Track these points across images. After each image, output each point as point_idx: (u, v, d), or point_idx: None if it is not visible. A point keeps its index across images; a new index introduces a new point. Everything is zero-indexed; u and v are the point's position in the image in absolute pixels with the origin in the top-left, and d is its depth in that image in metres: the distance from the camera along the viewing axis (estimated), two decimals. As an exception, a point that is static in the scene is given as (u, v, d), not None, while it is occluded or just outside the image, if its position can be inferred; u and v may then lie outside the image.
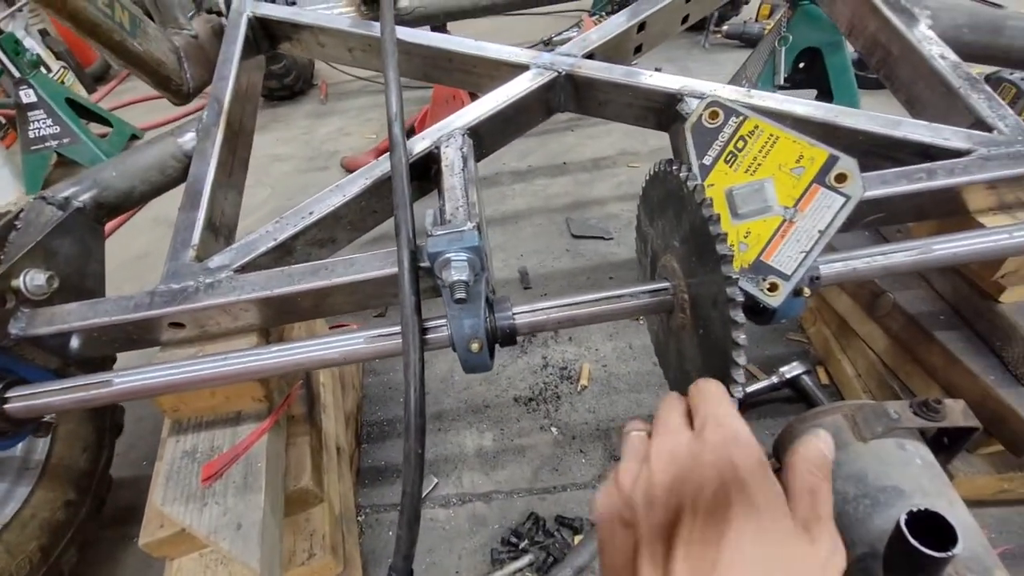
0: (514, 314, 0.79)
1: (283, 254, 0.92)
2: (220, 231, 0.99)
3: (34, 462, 1.03)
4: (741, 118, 0.68)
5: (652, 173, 0.81)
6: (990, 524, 1.08)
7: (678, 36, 3.07)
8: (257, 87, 1.30)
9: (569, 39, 3.05)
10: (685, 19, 1.25)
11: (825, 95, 2.22)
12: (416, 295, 0.78)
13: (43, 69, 2.89)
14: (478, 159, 1.08)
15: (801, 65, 2.14)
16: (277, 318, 0.91)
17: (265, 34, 1.32)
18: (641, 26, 1.15)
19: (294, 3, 1.42)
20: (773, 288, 0.67)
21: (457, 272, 0.72)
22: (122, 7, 1.04)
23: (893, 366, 1.13)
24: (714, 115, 0.70)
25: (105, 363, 1.09)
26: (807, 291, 0.74)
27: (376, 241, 1.89)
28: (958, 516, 0.71)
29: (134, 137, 3.13)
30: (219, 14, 1.38)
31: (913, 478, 0.86)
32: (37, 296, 0.85)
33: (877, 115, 0.92)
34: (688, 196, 0.69)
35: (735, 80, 2.25)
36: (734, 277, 0.62)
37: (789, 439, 1.10)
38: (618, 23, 1.12)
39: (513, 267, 1.80)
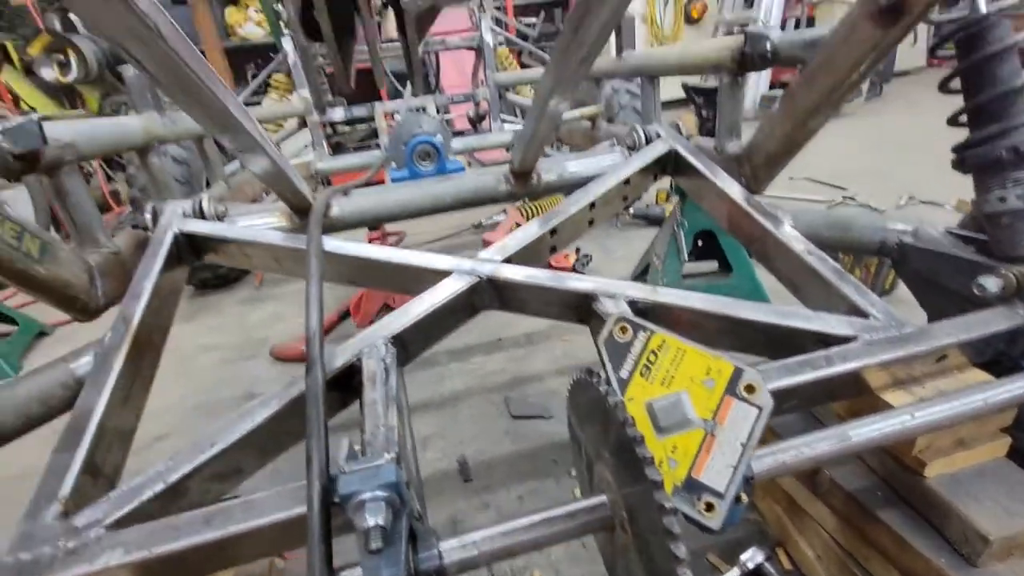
0: (440, 553, 0.70)
1: (175, 497, 0.80)
2: (103, 471, 0.87)
3: None
4: (648, 333, 0.72)
5: (575, 380, 0.82)
6: None
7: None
8: (177, 294, 1.28)
9: (498, 223, 3.35)
10: (591, 222, 1.40)
11: (725, 265, 2.51)
12: (327, 542, 0.68)
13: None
14: (403, 363, 1.06)
15: (700, 243, 2.44)
16: (158, 582, 0.75)
17: (190, 247, 1.34)
18: (553, 231, 1.27)
19: (224, 215, 1.47)
20: (710, 508, 0.64)
21: (372, 516, 0.64)
22: (32, 236, 1.03)
23: (849, 548, 1.08)
24: (624, 330, 0.73)
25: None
26: (744, 497, 0.71)
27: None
28: None
29: (42, 334, 2.93)
30: (146, 229, 1.40)
31: None
32: None
33: (769, 307, 1.01)
34: (611, 411, 0.68)
35: (646, 256, 2.51)
36: (668, 506, 0.58)
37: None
38: (532, 231, 1.24)
39: (452, 456, 1.69)
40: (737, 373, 0.66)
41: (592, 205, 1.36)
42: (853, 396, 0.95)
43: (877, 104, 6.33)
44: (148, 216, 1.38)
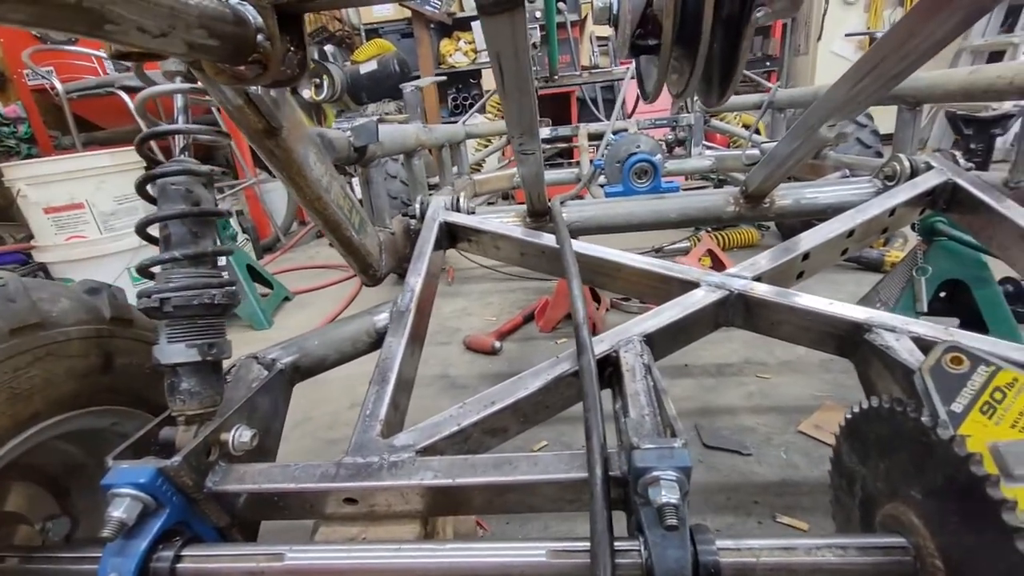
0: (719, 549, 0.71)
1: (460, 440, 0.93)
2: (399, 408, 1.04)
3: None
4: (994, 367, 0.64)
5: (869, 408, 0.77)
6: None
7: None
8: (438, 275, 1.48)
9: (684, 249, 3.27)
10: (844, 251, 1.30)
11: (971, 326, 2.12)
12: (610, 509, 0.73)
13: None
14: (647, 364, 1.10)
15: (942, 295, 2.10)
16: (444, 508, 0.87)
17: (449, 235, 1.55)
18: (806, 255, 1.21)
19: (472, 211, 1.67)
20: (1082, 578, 0.55)
21: (668, 493, 0.67)
22: (357, 211, 1.28)
23: None
24: (957, 360, 0.67)
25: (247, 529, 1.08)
26: (1112, 584, 0.60)
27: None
28: None
29: (286, 299, 3.60)
30: (412, 217, 1.65)
31: None
32: (237, 452, 0.90)
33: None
34: (939, 445, 0.63)
35: (866, 301, 2.24)
36: (1039, 559, 0.52)
37: None
38: (787, 250, 1.19)
39: (639, 472, 1.68)
40: None
41: (851, 233, 1.26)
42: None
43: None
44: (417, 207, 1.63)
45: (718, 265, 2.79)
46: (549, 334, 2.71)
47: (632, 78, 3.18)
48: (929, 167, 1.42)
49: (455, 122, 4.57)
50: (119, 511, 0.75)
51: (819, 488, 1.55)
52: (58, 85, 3.61)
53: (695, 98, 3.16)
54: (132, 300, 0.97)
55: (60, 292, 0.84)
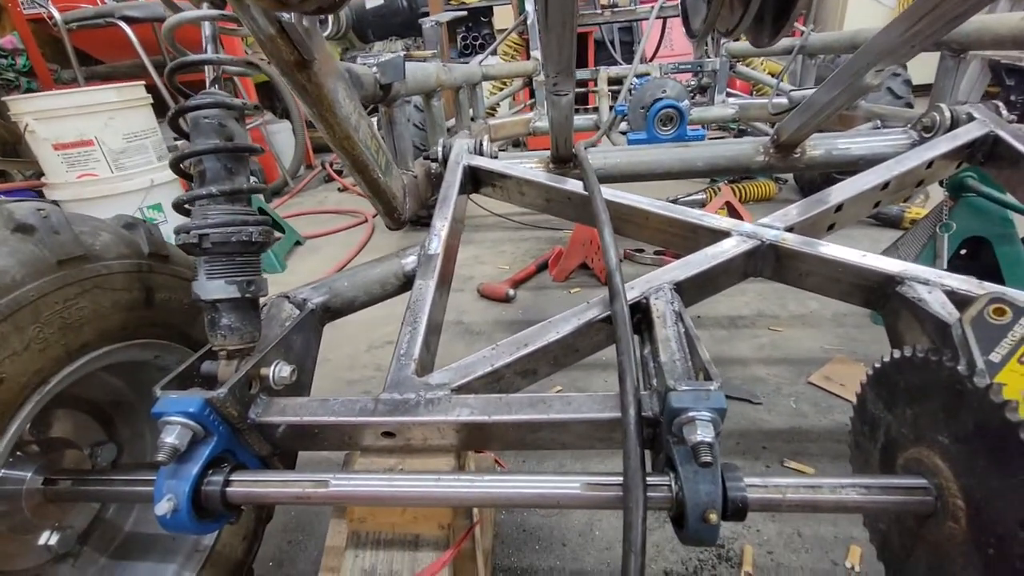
0: (747, 486, 0.74)
1: (493, 380, 0.96)
2: (429, 349, 1.06)
3: (203, 546, 1.05)
4: (1037, 320, 0.65)
5: (901, 357, 0.78)
6: None
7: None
8: (462, 220, 1.47)
9: (700, 201, 3.23)
10: (877, 204, 1.28)
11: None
12: (643, 447, 0.76)
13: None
14: (674, 312, 1.11)
15: (963, 252, 2.09)
16: (478, 443, 0.91)
17: (473, 179, 1.53)
18: (839, 207, 1.20)
19: (495, 155, 1.64)
20: (1104, 518, 0.57)
21: (703, 432, 0.70)
22: (383, 152, 1.26)
23: None
24: (1000, 312, 0.67)
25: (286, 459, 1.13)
26: None
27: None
28: None
29: (297, 243, 3.60)
30: (434, 160, 1.62)
31: None
32: (277, 386, 0.93)
33: None
34: (974, 393, 0.64)
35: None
36: (1068, 499, 0.54)
37: None
38: (820, 201, 1.18)
39: (651, 417, 1.73)
40: None
41: (885, 185, 1.24)
42: None
43: None
44: (439, 150, 1.60)
45: (736, 218, 2.76)
46: (562, 283, 2.72)
47: (658, 17, 3.03)
48: (971, 118, 1.37)
49: (467, 63, 4.40)
50: (171, 437, 0.78)
51: (827, 436, 1.60)
52: (56, 14, 3.46)
53: (723, 41, 3.02)
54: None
55: (100, 226, 0.84)
